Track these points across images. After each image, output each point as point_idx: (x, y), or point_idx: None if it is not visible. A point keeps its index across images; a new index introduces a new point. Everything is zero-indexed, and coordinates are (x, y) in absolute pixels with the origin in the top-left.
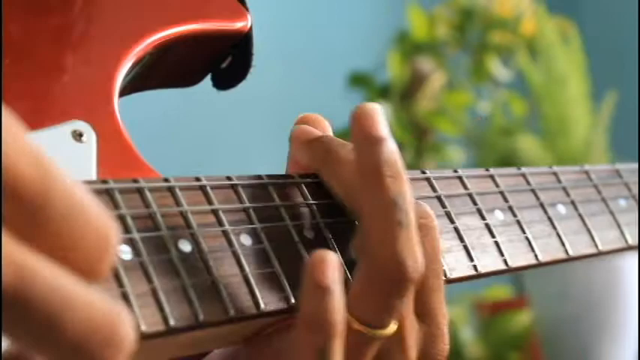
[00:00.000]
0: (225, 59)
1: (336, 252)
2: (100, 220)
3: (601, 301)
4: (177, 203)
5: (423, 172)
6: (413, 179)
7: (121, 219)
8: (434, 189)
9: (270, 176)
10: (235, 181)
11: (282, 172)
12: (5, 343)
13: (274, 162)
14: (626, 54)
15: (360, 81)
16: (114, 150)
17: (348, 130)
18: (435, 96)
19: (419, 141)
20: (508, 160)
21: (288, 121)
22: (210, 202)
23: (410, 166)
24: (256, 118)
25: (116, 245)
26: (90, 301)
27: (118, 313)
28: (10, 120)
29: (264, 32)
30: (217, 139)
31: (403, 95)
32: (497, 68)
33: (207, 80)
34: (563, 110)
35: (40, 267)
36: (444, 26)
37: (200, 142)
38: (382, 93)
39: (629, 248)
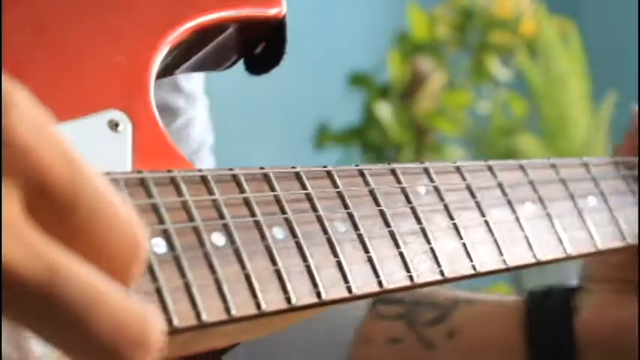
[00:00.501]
0: (258, 45)
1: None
2: (130, 221)
3: None
4: (211, 195)
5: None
6: (444, 169)
7: (155, 210)
8: (463, 178)
9: (302, 168)
10: (268, 171)
11: None
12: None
13: (273, 161)
14: (626, 54)
15: (360, 81)
16: (149, 140)
17: (348, 130)
18: (435, 96)
19: (419, 141)
20: (508, 159)
21: (288, 121)
22: (243, 193)
23: None
24: (256, 118)
25: (146, 248)
26: (120, 301)
27: (148, 315)
28: (41, 115)
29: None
30: (217, 140)
31: (403, 95)
32: (497, 68)
33: (207, 83)
34: (563, 110)
35: (71, 264)
36: (444, 26)
37: None
38: (382, 93)
39: None
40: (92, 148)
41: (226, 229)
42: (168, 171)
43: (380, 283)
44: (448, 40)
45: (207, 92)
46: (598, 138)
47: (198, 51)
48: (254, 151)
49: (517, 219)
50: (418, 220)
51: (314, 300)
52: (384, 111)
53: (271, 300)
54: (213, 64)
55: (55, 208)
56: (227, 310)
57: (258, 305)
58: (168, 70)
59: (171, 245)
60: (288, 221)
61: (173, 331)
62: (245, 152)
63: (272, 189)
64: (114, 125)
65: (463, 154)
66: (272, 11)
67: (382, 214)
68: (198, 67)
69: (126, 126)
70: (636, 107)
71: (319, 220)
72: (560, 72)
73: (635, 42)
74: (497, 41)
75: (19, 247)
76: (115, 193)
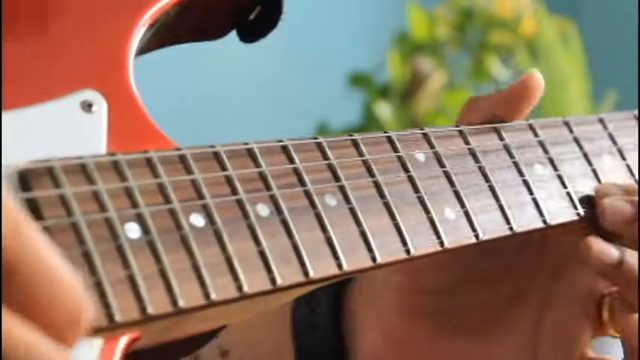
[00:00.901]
0: (252, 10)
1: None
2: (71, 286)
3: None
4: (190, 174)
5: (457, 127)
6: (447, 134)
7: (128, 194)
8: (467, 142)
9: (290, 140)
10: (252, 146)
11: None
12: None
13: None
14: (626, 54)
15: (360, 81)
16: (126, 119)
17: (348, 130)
18: (435, 96)
19: None
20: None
21: (288, 121)
22: (224, 170)
23: None
24: (256, 117)
25: (87, 320)
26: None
27: None
28: None
29: None
30: (216, 139)
31: (403, 95)
32: (497, 68)
33: (207, 83)
34: (563, 110)
35: (10, 323)
36: (444, 26)
37: (198, 142)
38: (382, 93)
39: None
40: (64, 131)
41: (206, 210)
42: (144, 151)
43: (373, 258)
44: (448, 40)
45: (207, 92)
46: None
47: (186, 21)
48: None
49: (525, 182)
50: (416, 189)
51: (301, 279)
52: (384, 111)
53: (254, 281)
54: (206, 33)
55: (3, 274)
56: (206, 294)
57: (239, 288)
58: (154, 43)
59: (145, 229)
60: (273, 198)
61: (147, 319)
62: None
63: (257, 165)
64: (87, 106)
65: None
66: None
67: (376, 184)
68: (189, 38)
69: (100, 106)
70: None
71: (307, 194)
72: (560, 72)
73: (635, 42)
74: (497, 41)
75: None
76: (60, 264)
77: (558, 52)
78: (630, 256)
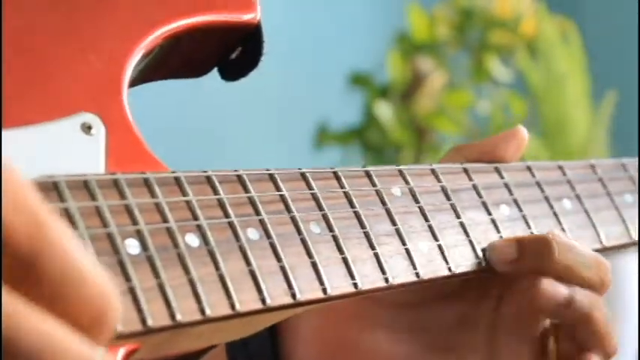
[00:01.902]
0: (234, 50)
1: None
2: (98, 288)
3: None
4: (185, 196)
5: (429, 165)
6: (420, 172)
7: (128, 211)
8: (439, 180)
9: (276, 170)
10: (242, 173)
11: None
12: None
13: (273, 161)
14: (626, 54)
15: (360, 81)
16: (123, 143)
17: (348, 130)
18: (435, 96)
19: (419, 141)
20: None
21: (288, 121)
22: (216, 194)
23: None
24: (256, 118)
25: (115, 317)
26: (81, 355)
27: None
28: (12, 172)
29: (264, 32)
30: (216, 140)
31: (403, 95)
32: (497, 68)
33: (207, 82)
34: (563, 110)
35: (33, 318)
36: (444, 26)
37: (198, 142)
38: (382, 93)
39: (633, 244)
40: (65, 151)
41: (200, 230)
42: (142, 172)
43: (355, 285)
44: (448, 40)
45: (206, 92)
46: (598, 138)
47: (173, 57)
48: (254, 151)
49: (493, 221)
50: (393, 222)
51: (289, 301)
52: (384, 111)
53: (246, 300)
54: (189, 70)
55: (21, 269)
56: (201, 310)
57: (232, 306)
58: (143, 76)
59: (144, 246)
60: (262, 222)
61: (147, 331)
62: (245, 152)
63: (246, 190)
64: (87, 128)
65: None
66: (246, 17)
67: (357, 215)
68: (173, 75)
69: (99, 129)
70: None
71: (294, 221)
72: (560, 72)
73: (635, 42)
74: (497, 41)
75: None
76: (85, 258)
77: (558, 52)
78: (580, 294)
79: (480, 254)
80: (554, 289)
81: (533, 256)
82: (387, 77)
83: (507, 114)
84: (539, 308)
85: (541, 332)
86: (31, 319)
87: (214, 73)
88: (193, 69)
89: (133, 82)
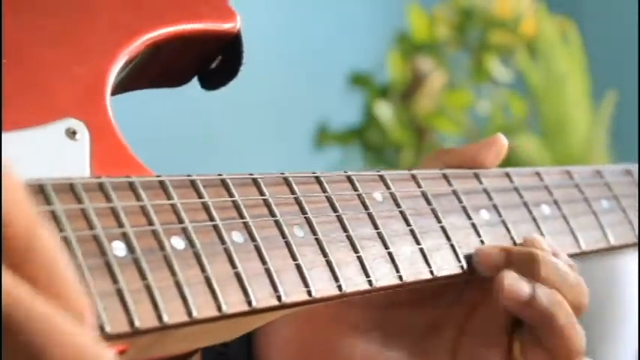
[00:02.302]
0: (213, 60)
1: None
2: (74, 285)
3: (600, 300)
4: (170, 199)
5: (409, 170)
6: (400, 177)
7: (114, 213)
8: (419, 185)
9: (259, 175)
10: (225, 177)
11: (281, 170)
12: None
13: (273, 161)
14: (626, 54)
15: (360, 81)
16: (107, 148)
17: (348, 130)
18: (435, 96)
19: (419, 141)
20: (508, 159)
21: (288, 121)
22: (201, 198)
23: (410, 167)
24: (256, 118)
25: (90, 313)
26: (77, 335)
27: (104, 352)
28: (12, 173)
29: (265, 32)
30: (216, 139)
31: (403, 95)
32: (497, 68)
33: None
34: (563, 110)
35: (33, 299)
36: (444, 26)
37: (198, 142)
38: (382, 93)
39: (611, 249)
40: (51, 156)
41: (185, 233)
42: (127, 176)
43: (339, 287)
44: (448, 40)
45: (207, 92)
46: (598, 138)
47: (153, 67)
48: (254, 151)
49: (473, 225)
50: (375, 226)
51: (274, 303)
52: (384, 111)
53: (232, 302)
54: (170, 79)
55: (17, 248)
56: (188, 312)
57: (219, 307)
58: (124, 85)
59: (130, 248)
60: (247, 226)
61: (134, 333)
62: (245, 152)
63: (230, 195)
64: (71, 133)
65: None
66: (227, 26)
67: (340, 219)
68: (152, 84)
69: (83, 134)
70: None
71: (277, 225)
72: (560, 72)
73: (635, 42)
74: (497, 41)
75: None
76: (64, 259)
77: (558, 52)
78: (542, 293)
79: (462, 259)
80: (517, 285)
81: (519, 269)
82: (387, 77)
83: (507, 114)
84: (503, 304)
85: (507, 338)
86: (32, 300)
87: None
88: (173, 78)
89: (115, 91)
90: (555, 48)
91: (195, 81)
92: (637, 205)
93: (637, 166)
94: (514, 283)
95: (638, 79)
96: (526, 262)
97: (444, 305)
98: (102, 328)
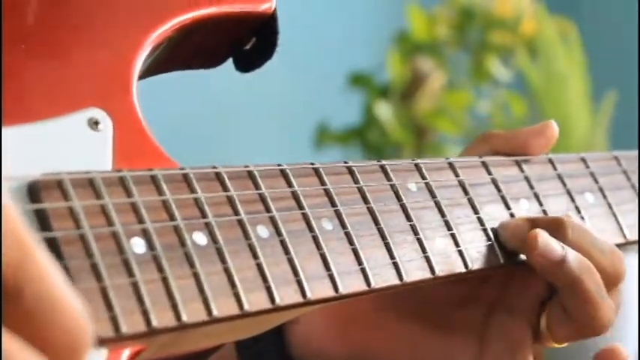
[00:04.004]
0: (248, 41)
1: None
2: (74, 321)
3: None
4: (193, 193)
5: (447, 159)
6: (437, 166)
7: (135, 209)
8: (457, 175)
9: (288, 165)
10: (252, 169)
11: None
12: None
13: (273, 161)
14: (626, 54)
15: (360, 81)
16: (131, 138)
17: (348, 130)
18: (435, 96)
19: (419, 141)
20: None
21: (288, 121)
22: (226, 191)
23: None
24: (256, 117)
25: (87, 348)
26: None
27: None
28: (5, 208)
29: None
30: (216, 140)
31: (403, 95)
32: (497, 68)
33: (207, 82)
34: (563, 110)
35: (16, 349)
36: (444, 26)
37: (198, 143)
38: (382, 93)
39: None
40: (72, 147)
41: (208, 228)
42: (149, 169)
43: (367, 282)
44: (448, 40)
45: (207, 92)
46: (598, 138)
47: (185, 49)
48: (254, 151)
49: (512, 215)
50: (408, 218)
51: (299, 299)
52: (384, 111)
53: (255, 300)
54: (203, 61)
55: (4, 291)
56: (208, 310)
57: (241, 305)
58: (153, 69)
59: (150, 245)
60: (272, 220)
61: (151, 332)
62: (245, 152)
63: (257, 187)
64: (94, 124)
65: None
66: (262, 7)
67: (371, 211)
68: (186, 66)
69: (106, 124)
70: None
71: (305, 218)
72: (560, 72)
73: (635, 42)
74: (497, 41)
75: None
76: (64, 285)
77: (558, 52)
78: (572, 257)
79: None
80: (550, 244)
81: (548, 233)
82: (387, 77)
83: (507, 114)
84: (535, 263)
85: (535, 313)
86: (20, 354)
87: (219, 69)
88: (206, 60)
89: (143, 75)
90: (555, 48)
91: (194, 83)
92: None
93: None
94: (547, 242)
95: (638, 79)
96: (554, 226)
97: (475, 282)
98: (117, 329)
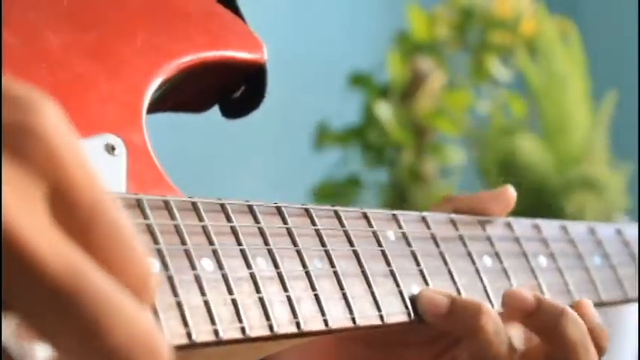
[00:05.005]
0: (237, 89)
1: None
2: (143, 256)
3: None
4: (201, 221)
5: (420, 212)
6: (411, 218)
7: (150, 231)
8: (429, 227)
9: (283, 204)
10: (252, 204)
11: (282, 170)
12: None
13: (273, 161)
14: (626, 54)
15: (360, 81)
16: (142, 165)
17: (347, 130)
18: (435, 96)
19: (419, 141)
20: (508, 160)
21: (288, 121)
22: (230, 222)
23: (410, 167)
24: (256, 117)
25: (156, 282)
26: (136, 313)
27: (159, 335)
28: (72, 131)
29: (264, 32)
30: (216, 139)
31: (403, 95)
32: (497, 68)
33: None
34: (563, 110)
35: (94, 270)
36: (444, 26)
37: (198, 143)
38: (382, 93)
39: (602, 304)
40: None
41: (215, 256)
42: (162, 196)
43: (353, 320)
44: (448, 40)
45: None
46: (598, 138)
47: (181, 91)
48: (254, 151)
49: (477, 270)
50: (388, 263)
51: (293, 330)
52: (384, 111)
53: (255, 326)
54: (193, 105)
55: (77, 216)
56: (215, 332)
57: (243, 330)
58: (155, 106)
59: (165, 265)
60: (271, 253)
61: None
62: (245, 152)
63: (256, 221)
64: (111, 148)
65: (463, 154)
66: (255, 56)
67: (355, 254)
68: (178, 108)
69: (121, 150)
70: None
71: (299, 254)
72: (560, 72)
73: (635, 42)
74: (497, 41)
75: (45, 240)
76: (129, 218)
77: (558, 52)
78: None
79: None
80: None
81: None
82: (387, 77)
83: (507, 114)
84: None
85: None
86: (98, 276)
87: None
88: (197, 104)
89: (147, 111)
90: (555, 48)
91: None
92: (627, 262)
93: (630, 224)
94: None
95: (638, 79)
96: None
97: (449, 341)
98: None
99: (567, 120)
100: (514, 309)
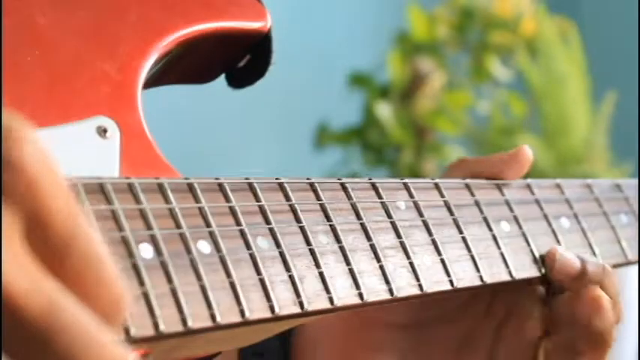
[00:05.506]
0: (242, 58)
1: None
2: (116, 281)
3: None
4: (198, 203)
5: (432, 179)
6: (423, 186)
7: (143, 216)
8: (442, 195)
9: (286, 179)
10: (253, 181)
11: (282, 170)
12: None
13: (273, 161)
14: (626, 54)
15: (360, 81)
16: (136, 147)
17: (348, 130)
18: (435, 96)
19: (419, 141)
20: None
21: (288, 121)
22: (228, 202)
23: (410, 167)
24: (256, 117)
25: (127, 305)
26: (108, 344)
27: (124, 354)
28: (51, 157)
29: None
30: (216, 139)
31: (403, 95)
32: (497, 68)
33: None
34: (563, 110)
35: (68, 302)
36: (444, 26)
37: (199, 143)
38: (382, 93)
39: (628, 263)
40: (80, 154)
41: (212, 237)
42: (156, 178)
43: (360, 296)
44: (448, 40)
45: (207, 92)
46: (598, 138)
47: (183, 63)
48: (254, 151)
49: (493, 237)
50: (398, 235)
51: (297, 310)
52: (384, 111)
53: (255, 308)
54: (198, 76)
55: (52, 245)
56: (212, 316)
57: (242, 313)
58: (154, 81)
59: (158, 251)
60: (272, 231)
61: (159, 337)
62: (245, 152)
63: (257, 199)
64: (102, 131)
65: (463, 154)
66: (258, 24)
67: (363, 227)
68: (182, 80)
69: (114, 133)
70: None
71: (302, 231)
72: (560, 72)
73: (635, 42)
74: (497, 41)
75: (22, 277)
76: (107, 251)
77: (558, 52)
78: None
79: (482, 270)
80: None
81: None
82: (387, 77)
83: (507, 114)
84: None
85: (534, 347)
86: (73, 308)
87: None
88: (201, 75)
89: (145, 86)
90: (555, 48)
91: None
92: None
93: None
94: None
95: (638, 79)
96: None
97: (474, 318)
98: (127, 331)
99: (567, 120)
100: (560, 272)
